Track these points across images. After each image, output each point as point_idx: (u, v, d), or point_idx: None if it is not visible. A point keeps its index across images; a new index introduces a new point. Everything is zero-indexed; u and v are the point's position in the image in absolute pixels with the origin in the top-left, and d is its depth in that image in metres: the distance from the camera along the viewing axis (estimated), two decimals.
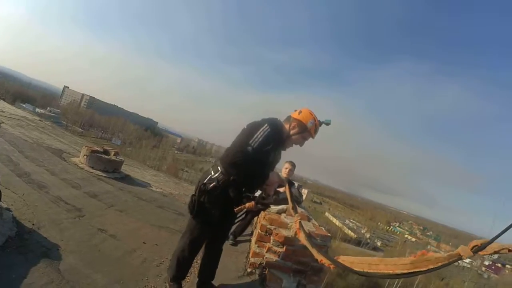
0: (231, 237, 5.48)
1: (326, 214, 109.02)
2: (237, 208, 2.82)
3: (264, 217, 4.20)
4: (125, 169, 8.43)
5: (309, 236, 2.62)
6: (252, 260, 4.15)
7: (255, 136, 2.69)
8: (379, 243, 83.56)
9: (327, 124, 3.09)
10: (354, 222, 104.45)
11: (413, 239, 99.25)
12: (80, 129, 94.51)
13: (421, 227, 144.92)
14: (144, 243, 4.26)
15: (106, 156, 7.72)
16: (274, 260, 3.87)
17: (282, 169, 5.54)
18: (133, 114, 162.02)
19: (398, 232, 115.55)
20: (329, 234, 4.10)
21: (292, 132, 2.99)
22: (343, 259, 2.31)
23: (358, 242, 74.64)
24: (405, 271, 1.74)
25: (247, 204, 2.79)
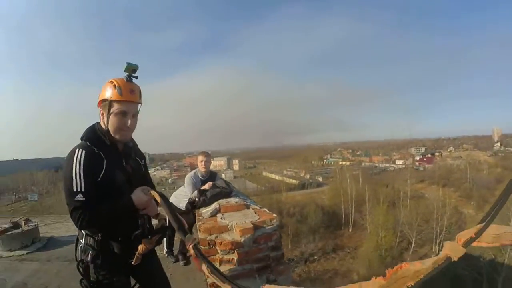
0: (180, 257, 5.24)
1: (264, 173, 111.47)
2: (134, 262, 2.26)
3: (200, 229, 3.93)
4: (46, 230, 7.74)
5: (211, 264, 2.05)
6: (209, 280, 3.90)
7: (74, 178, 2.03)
8: (320, 179, 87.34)
9: (132, 67, 2.22)
10: (291, 169, 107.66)
11: (348, 163, 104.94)
12: None
13: (350, 150, 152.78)
14: None
15: (17, 231, 6.98)
16: (232, 270, 3.65)
17: (197, 163, 5.22)
18: (36, 160, 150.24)
19: (332, 163, 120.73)
20: (274, 215, 3.93)
21: (105, 120, 2.23)
22: None
23: (302, 186, 77.46)
24: None
25: (138, 248, 2.26)
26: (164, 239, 5.43)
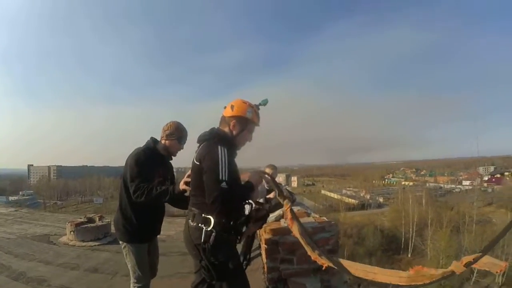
0: (241, 258, 5.47)
1: (322, 191, 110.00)
2: (239, 241, 2.80)
3: (265, 231, 4.17)
4: None
5: (303, 228, 2.53)
6: (269, 276, 4.13)
7: (220, 169, 2.43)
8: (381, 199, 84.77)
9: (264, 104, 2.85)
10: (351, 189, 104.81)
11: (410, 183, 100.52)
12: (59, 202, 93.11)
13: (414, 170, 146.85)
14: None
15: (92, 225, 7.58)
16: (291, 268, 3.87)
17: None
18: (104, 167, 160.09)
19: (394, 183, 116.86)
20: (333, 222, 4.12)
21: (235, 132, 2.72)
22: (342, 261, 2.32)
23: (362, 206, 75.69)
24: (401, 283, 1.83)
25: (251, 229, 2.86)
26: None
